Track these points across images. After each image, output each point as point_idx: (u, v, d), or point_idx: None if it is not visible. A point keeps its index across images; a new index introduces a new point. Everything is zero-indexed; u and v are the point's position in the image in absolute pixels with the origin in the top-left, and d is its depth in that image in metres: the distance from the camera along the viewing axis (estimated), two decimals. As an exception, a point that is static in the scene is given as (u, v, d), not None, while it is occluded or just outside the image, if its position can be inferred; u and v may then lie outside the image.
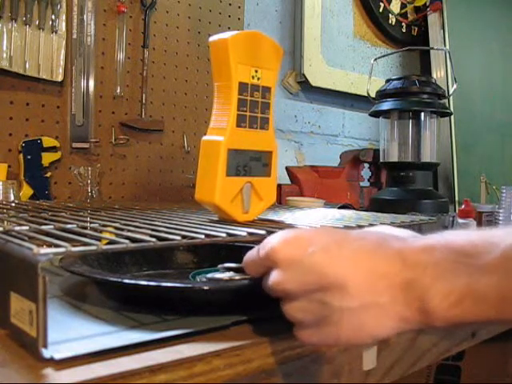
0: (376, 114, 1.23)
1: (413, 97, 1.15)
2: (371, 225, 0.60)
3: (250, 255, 0.41)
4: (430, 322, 0.34)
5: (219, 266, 0.48)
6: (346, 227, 0.55)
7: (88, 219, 0.55)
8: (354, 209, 1.02)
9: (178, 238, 0.43)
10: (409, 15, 1.69)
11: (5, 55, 0.88)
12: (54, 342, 0.35)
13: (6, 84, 0.91)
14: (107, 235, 0.44)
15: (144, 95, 1.06)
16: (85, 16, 0.98)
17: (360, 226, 0.58)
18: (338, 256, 0.35)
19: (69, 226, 0.48)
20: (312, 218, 0.66)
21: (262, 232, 0.48)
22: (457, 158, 1.54)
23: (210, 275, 0.46)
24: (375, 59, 1.30)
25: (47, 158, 0.94)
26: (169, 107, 1.11)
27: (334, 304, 0.34)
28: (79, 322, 0.41)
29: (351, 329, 0.34)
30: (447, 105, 1.35)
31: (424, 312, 0.33)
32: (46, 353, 0.33)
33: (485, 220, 1.15)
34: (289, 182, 1.22)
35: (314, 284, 0.35)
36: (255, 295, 0.44)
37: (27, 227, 0.47)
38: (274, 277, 0.37)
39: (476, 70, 1.65)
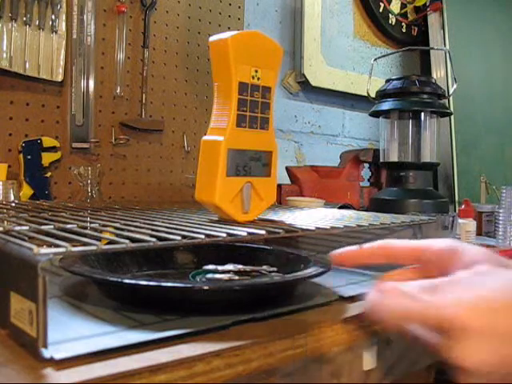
0: (376, 114, 1.23)
1: (413, 97, 1.15)
2: (371, 225, 0.60)
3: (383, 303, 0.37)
4: None
5: (204, 267, 0.48)
6: (346, 227, 0.55)
7: (88, 219, 0.55)
8: (354, 209, 1.02)
9: (178, 238, 0.43)
10: (409, 15, 1.69)
11: (5, 55, 0.88)
12: (54, 341, 0.35)
13: (6, 84, 0.91)
14: (107, 235, 0.44)
15: (144, 95, 1.06)
16: (85, 16, 0.98)
17: (360, 226, 0.58)
18: None
19: (69, 226, 0.48)
20: (312, 218, 0.66)
21: (262, 232, 0.48)
22: (457, 158, 1.54)
23: (209, 275, 0.46)
24: (375, 59, 1.30)
25: (47, 158, 0.94)
26: (169, 107, 1.11)
27: None
28: (79, 322, 0.41)
29: None
30: (447, 105, 1.35)
31: None
32: (46, 353, 0.33)
33: (485, 220, 1.15)
34: (289, 182, 1.22)
35: None
36: (255, 295, 0.44)
37: (27, 227, 0.47)
38: (464, 352, 0.33)
39: (476, 70, 1.64)
